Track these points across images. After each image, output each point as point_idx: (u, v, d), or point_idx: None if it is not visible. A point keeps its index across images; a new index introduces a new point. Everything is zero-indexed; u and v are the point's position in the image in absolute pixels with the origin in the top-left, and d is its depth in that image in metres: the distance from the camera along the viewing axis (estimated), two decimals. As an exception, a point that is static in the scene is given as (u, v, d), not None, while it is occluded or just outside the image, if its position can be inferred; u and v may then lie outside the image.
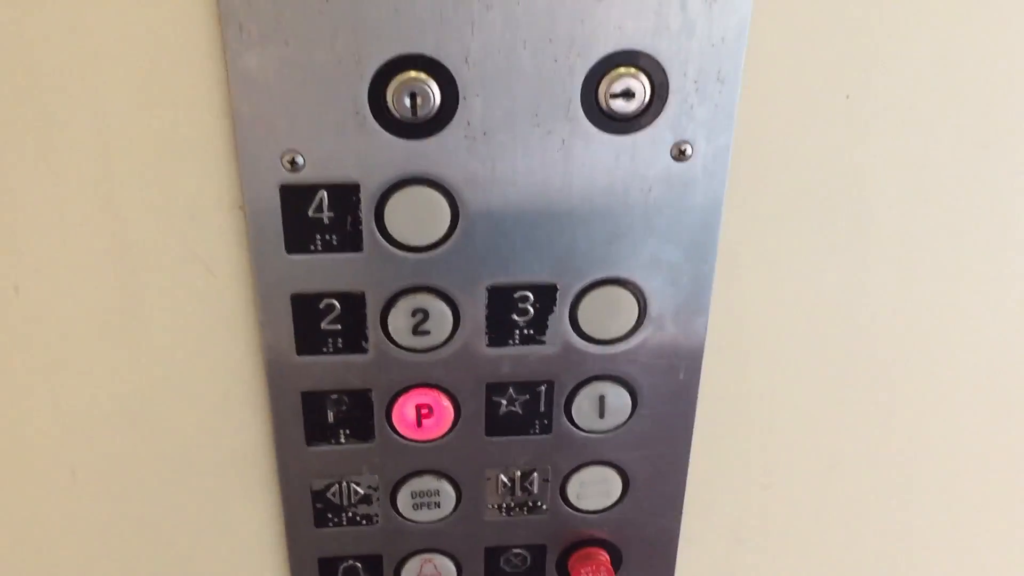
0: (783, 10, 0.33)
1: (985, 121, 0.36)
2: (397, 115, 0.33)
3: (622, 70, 0.33)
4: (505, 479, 0.41)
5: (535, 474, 0.41)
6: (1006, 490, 0.46)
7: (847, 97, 0.35)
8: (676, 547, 0.44)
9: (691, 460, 0.42)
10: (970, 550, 0.47)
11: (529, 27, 0.32)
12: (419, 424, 0.39)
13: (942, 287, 0.40)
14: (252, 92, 0.32)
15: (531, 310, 0.37)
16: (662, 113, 0.34)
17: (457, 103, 0.33)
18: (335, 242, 0.35)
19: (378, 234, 0.35)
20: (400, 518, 0.42)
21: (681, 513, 0.43)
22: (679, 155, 0.34)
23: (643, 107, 0.33)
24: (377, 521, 0.42)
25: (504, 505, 0.42)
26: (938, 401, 0.43)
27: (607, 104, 0.33)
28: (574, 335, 0.38)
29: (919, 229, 0.38)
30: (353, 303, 0.36)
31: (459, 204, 0.35)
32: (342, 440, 0.39)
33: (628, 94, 0.33)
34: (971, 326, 0.41)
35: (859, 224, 0.37)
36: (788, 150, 0.36)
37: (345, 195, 0.34)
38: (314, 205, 0.34)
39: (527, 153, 0.34)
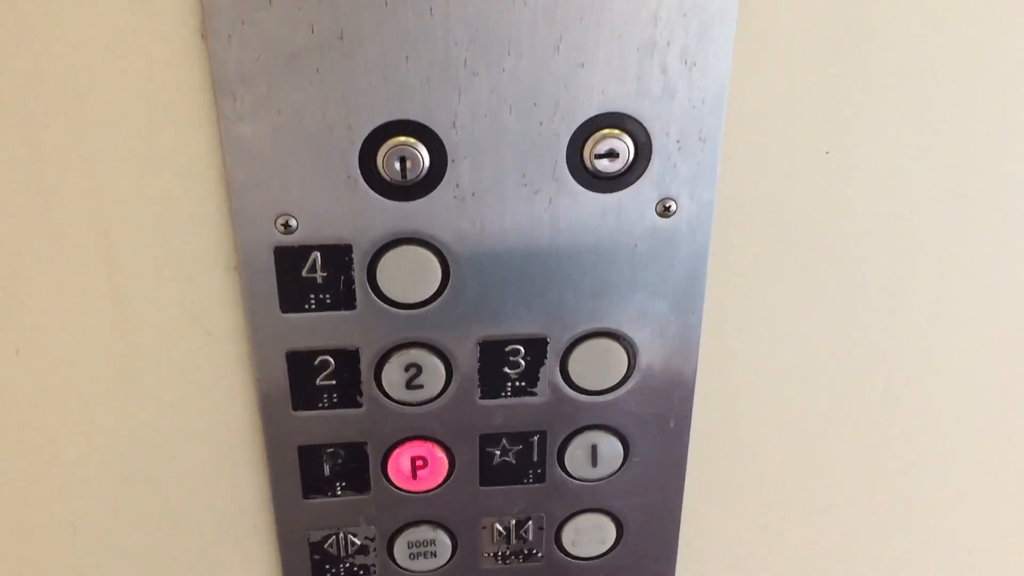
0: (761, 71, 0.34)
1: (963, 171, 0.37)
2: (387, 178, 0.33)
3: (606, 131, 0.34)
4: (500, 528, 0.42)
5: (530, 522, 0.42)
6: (1000, 527, 0.46)
7: (827, 152, 0.36)
8: (671, 592, 0.45)
9: (684, 506, 0.42)
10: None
11: (514, 92, 0.33)
12: (414, 475, 0.40)
13: (926, 331, 0.40)
14: (246, 159, 0.33)
15: (522, 363, 0.38)
16: (646, 172, 0.34)
17: (446, 165, 0.34)
18: (329, 300, 0.36)
19: (371, 292, 0.36)
20: (397, 568, 0.42)
21: (675, 558, 0.44)
22: (664, 211, 0.35)
23: (627, 166, 0.34)
24: (374, 571, 0.42)
25: (500, 553, 0.42)
26: (927, 442, 0.43)
27: (592, 164, 0.34)
28: (565, 386, 0.39)
29: (901, 276, 0.39)
30: (347, 359, 0.37)
31: (450, 262, 0.35)
32: (338, 492, 0.40)
33: (612, 154, 0.34)
34: (956, 368, 0.41)
35: (842, 273, 0.38)
36: (770, 204, 0.37)
37: (338, 255, 0.35)
38: (308, 265, 0.35)
39: (515, 212, 0.35)
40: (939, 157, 0.36)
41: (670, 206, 0.35)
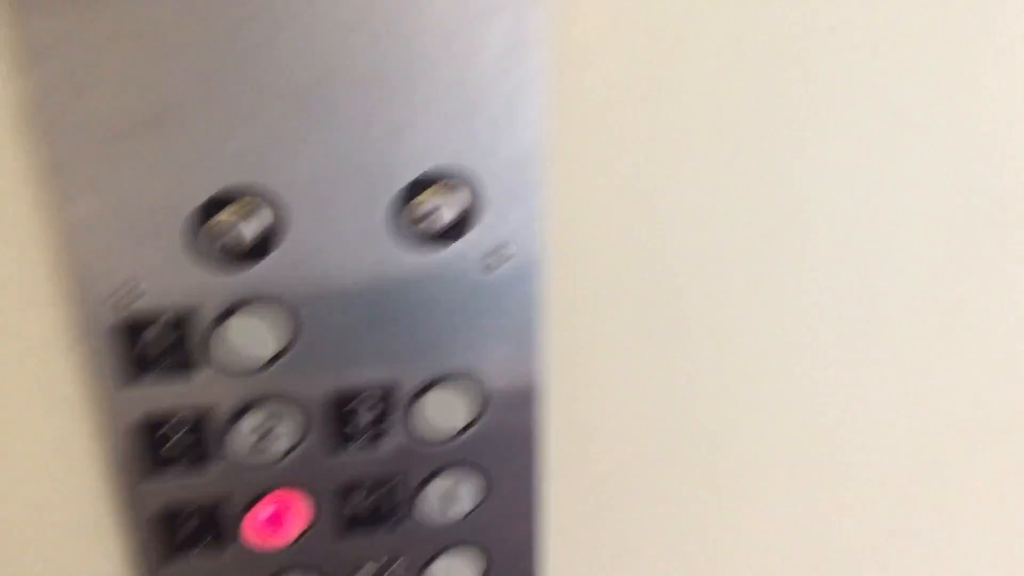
0: (583, 124, 0.36)
1: (773, 209, 0.40)
2: (225, 245, 0.34)
3: (433, 189, 0.35)
4: (366, 574, 0.43)
5: (395, 565, 0.43)
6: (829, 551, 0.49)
7: (649, 199, 0.38)
8: (540, 618, 0.46)
9: (548, 532, 0.44)
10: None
11: (343, 155, 0.34)
12: (274, 530, 0.40)
13: (753, 359, 0.43)
14: (81, 237, 0.33)
15: (373, 412, 0.39)
16: (476, 225, 0.36)
17: (283, 229, 0.35)
18: (174, 367, 0.36)
19: (217, 356, 0.36)
20: (266, 623, 0.42)
21: (540, 584, 0.46)
22: (496, 261, 0.37)
23: (456, 220, 0.36)
24: (243, 629, 0.42)
25: (368, 598, 0.43)
26: (765, 463, 0.46)
27: (422, 221, 0.36)
28: (417, 430, 0.40)
29: (723, 310, 0.42)
30: (197, 424, 0.37)
31: (294, 319, 0.36)
32: (198, 556, 0.40)
33: (440, 210, 0.36)
34: (781, 394, 0.45)
35: (668, 309, 0.41)
36: (597, 247, 0.39)
37: (181, 324, 0.35)
38: (151, 336, 0.35)
39: (354, 270, 0.36)
40: (748, 199, 0.39)
41: (501, 255, 0.37)
